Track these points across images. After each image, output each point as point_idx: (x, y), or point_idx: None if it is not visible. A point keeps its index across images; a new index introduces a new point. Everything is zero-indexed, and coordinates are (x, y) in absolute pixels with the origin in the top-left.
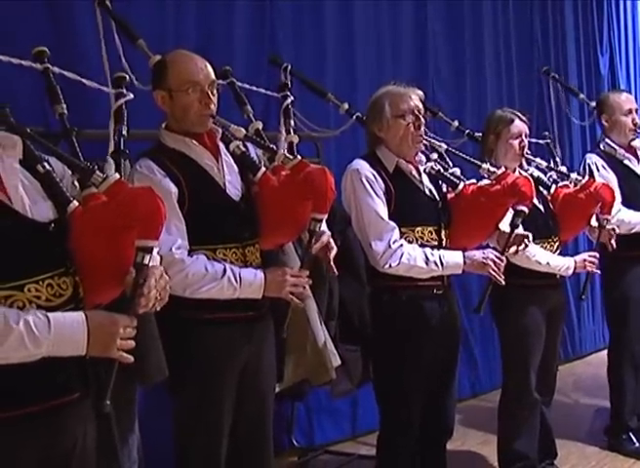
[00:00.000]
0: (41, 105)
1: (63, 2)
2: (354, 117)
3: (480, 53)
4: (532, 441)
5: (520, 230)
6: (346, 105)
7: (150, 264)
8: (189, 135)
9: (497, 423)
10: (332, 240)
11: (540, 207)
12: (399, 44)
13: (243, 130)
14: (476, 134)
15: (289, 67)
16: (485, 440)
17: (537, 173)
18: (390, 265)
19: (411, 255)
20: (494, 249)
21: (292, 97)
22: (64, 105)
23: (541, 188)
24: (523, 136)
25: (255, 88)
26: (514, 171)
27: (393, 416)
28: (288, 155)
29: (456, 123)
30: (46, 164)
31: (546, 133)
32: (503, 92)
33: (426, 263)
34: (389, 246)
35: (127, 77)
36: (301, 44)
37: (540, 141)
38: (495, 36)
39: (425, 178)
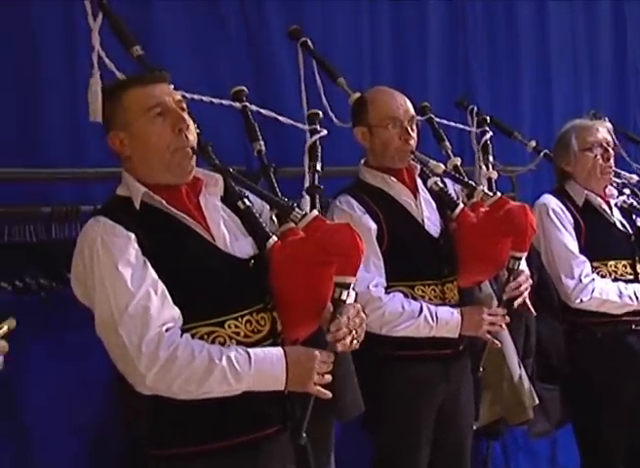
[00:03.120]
0: (243, 144)
1: (264, 42)
2: (542, 154)
3: None
4: None
5: None
6: (534, 143)
7: (347, 301)
8: (388, 171)
9: None
10: (530, 280)
11: None
12: (597, 73)
13: (442, 166)
14: None
15: (475, 109)
16: None
17: None
18: (582, 300)
19: (603, 290)
20: None
21: (491, 133)
22: (262, 143)
23: None
24: None
25: (452, 124)
26: None
27: (594, 460)
28: (487, 191)
29: None
30: (246, 200)
31: None
32: None
33: (620, 297)
34: (580, 280)
35: (320, 114)
36: (496, 76)
37: None
38: None
39: (617, 212)
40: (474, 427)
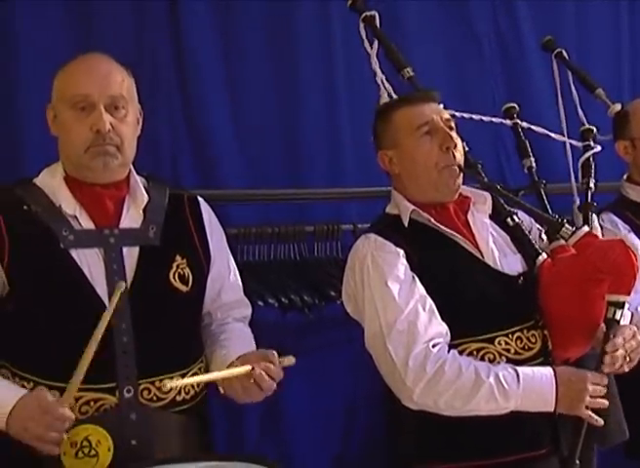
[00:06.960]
0: (497, 160)
1: (517, 57)
2: None
3: None
4: None
5: None
6: None
7: (622, 321)
8: None
9: None
10: None
11: None
12: None
13: None
14: None
15: None
16: None
17: None
18: None
19: None
20: None
21: None
22: (533, 159)
23: None
24: None
25: None
26: None
27: None
28: None
29: None
30: (515, 217)
31: None
32: None
33: None
34: None
35: (594, 130)
36: None
37: None
38: None
39: None
40: None
